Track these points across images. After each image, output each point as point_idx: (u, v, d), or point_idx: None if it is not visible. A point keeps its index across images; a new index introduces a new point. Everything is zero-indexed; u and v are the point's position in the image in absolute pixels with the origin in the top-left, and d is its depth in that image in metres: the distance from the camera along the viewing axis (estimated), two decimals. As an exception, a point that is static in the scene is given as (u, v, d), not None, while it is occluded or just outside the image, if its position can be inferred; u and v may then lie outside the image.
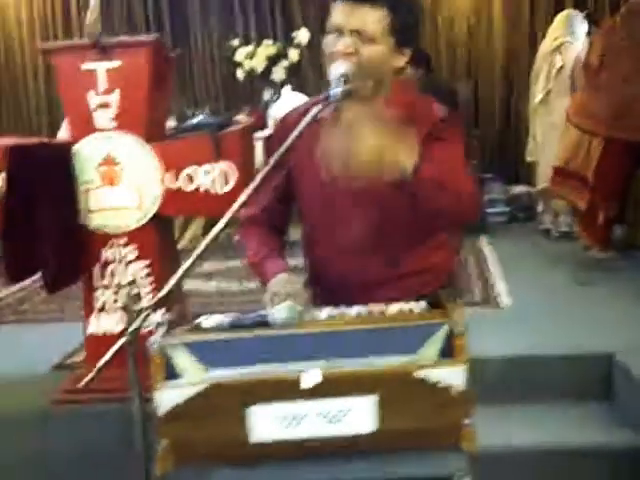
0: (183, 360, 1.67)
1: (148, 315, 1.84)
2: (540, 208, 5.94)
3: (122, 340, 1.74)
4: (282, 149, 1.83)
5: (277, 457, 1.66)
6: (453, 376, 1.60)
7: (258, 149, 4.54)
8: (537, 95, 5.55)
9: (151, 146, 3.10)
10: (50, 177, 3.08)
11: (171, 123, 6.00)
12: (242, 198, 1.82)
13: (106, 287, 3.22)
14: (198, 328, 1.78)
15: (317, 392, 1.58)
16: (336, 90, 1.83)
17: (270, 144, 2.10)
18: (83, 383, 1.93)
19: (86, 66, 3.06)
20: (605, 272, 4.63)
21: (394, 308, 1.85)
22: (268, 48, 6.30)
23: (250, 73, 6.41)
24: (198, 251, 1.87)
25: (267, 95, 6.44)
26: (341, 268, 2.06)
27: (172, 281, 1.96)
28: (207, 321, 1.80)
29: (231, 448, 1.65)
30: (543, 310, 4.00)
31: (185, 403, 1.61)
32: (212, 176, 3.06)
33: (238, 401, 1.60)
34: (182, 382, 1.62)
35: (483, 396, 3.20)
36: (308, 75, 6.72)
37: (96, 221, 3.18)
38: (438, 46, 6.71)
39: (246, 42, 6.51)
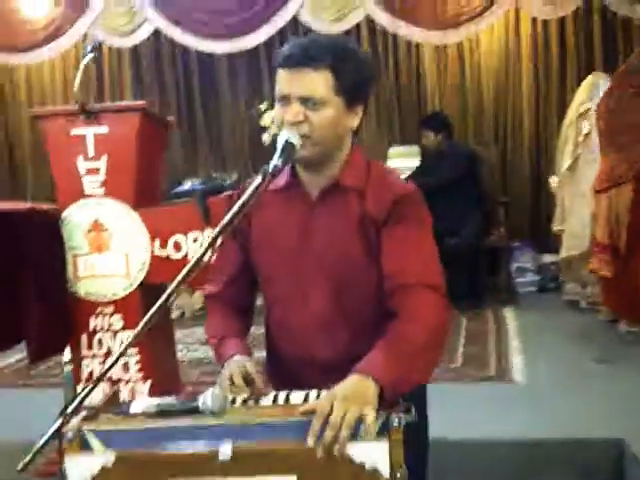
0: (98, 449, 1.58)
1: (90, 392, 1.75)
2: (562, 278, 5.74)
3: (57, 423, 1.65)
4: (224, 222, 1.76)
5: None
6: (377, 455, 1.48)
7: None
8: (564, 163, 5.40)
9: (139, 213, 3.04)
10: (38, 243, 3.04)
11: (197, 185, 6.03)
12: (188, 267, 1.76)
13: (93, 357, 3.14)
14: (125, 413, 1.69)
15: (233, 469, 1.48)
16: (276, 162, 1.78)
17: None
18: (19, 467, 1.82)
19: (75, 131, 3.03)
20: (629, 347, 4.41)
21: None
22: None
23: (275, 137, 6.38)
24: (141, 324, 1.82)
25: (291, 159, 6.41)
26: (298, 346, 1.96)
27: (114, 357, 1.89)
28: (136, 405, 1.71)
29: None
30: (557, 388, 3.83)
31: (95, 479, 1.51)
32: (200, 244, 2.98)
33: (153, 476, 1.51)
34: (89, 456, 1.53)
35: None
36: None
37: (84, 288, 3.11)
38: (465, 112, 6.62)
39: (272, 106, 6.49)
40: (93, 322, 3.12)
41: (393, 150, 6.52)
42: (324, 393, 1.71)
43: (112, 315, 3.11)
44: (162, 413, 1.65)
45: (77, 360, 3.15)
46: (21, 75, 6.74)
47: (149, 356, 3.10)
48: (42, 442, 1.59)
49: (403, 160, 6.37)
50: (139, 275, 3.07)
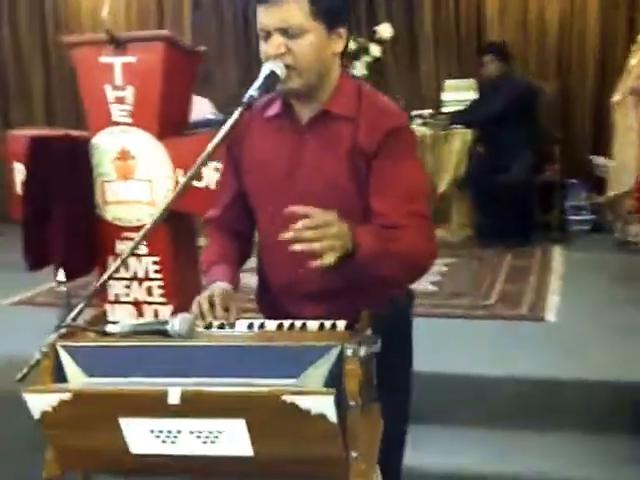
0: (69, 365, 1.66)
1: (82, 310, 1.82)
2: (609, 217, 5.61)
3: (53, 336, 1.74)
4: (203, 155, 1.80)
5: (161, 471, 1.63)
6: (323, 405, 1.50)
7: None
8: (618, 92, 5.20)
9: (163, 142, 3.11)
10: (68, 168, 3.15)
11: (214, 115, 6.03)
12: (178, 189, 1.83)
13: (119, 279, 3.27)
14: (103, 332, 1.76)
15: (183, 411, 1.52)
16: (252, 92, 1.78)
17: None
18: (18, 377, 1.93)
19: (103, 60, 3.10)
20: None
21: (314, 325, 1.79)
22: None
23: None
24: (132, 244, 1.90)
25: (347, 90, 6.38)
26: (283, 274, 2.00)
27: (106, 274, 1.97)
28: (113, 326, 1.78)
29: (114, 457, 1.62)
30: (587, 331, 3.78)
31: (54, 410, 1.58)
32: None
33: (109, 412, 1.56)
34: (47, 389, 1.59)
35: (495, 418, 3.16)
36: (390, 71, 6.60)
37: (111, 213, 3.23)
38: (527, 44, 6.42)
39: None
40: (119, 246, 3.24)
41: (449, 82, 6.41)
42: (297, 323, 1.76)
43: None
44: (134, 333, 1.72)
45: (104, 281, 3.28)
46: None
47: (172, 281, 3.21)
48: (36, 357, 1.68)
49: (459, 93, 6.27)
50: (163, 203, 3.14)
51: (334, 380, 1.55)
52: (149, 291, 3.24)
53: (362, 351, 1.68)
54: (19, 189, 3.19)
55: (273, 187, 1.94)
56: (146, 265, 3.23)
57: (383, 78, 6.60)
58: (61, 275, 2.40)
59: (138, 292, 3.24)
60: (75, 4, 6.94)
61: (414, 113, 6.36)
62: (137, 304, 3.26)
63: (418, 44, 6.56)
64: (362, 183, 1.86)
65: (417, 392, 3.25)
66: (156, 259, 3.20)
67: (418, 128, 6.12)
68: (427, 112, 6.33)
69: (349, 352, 1.59)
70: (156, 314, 3.21)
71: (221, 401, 1.51)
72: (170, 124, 3.15)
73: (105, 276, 1.94)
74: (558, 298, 4.37)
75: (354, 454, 1.57)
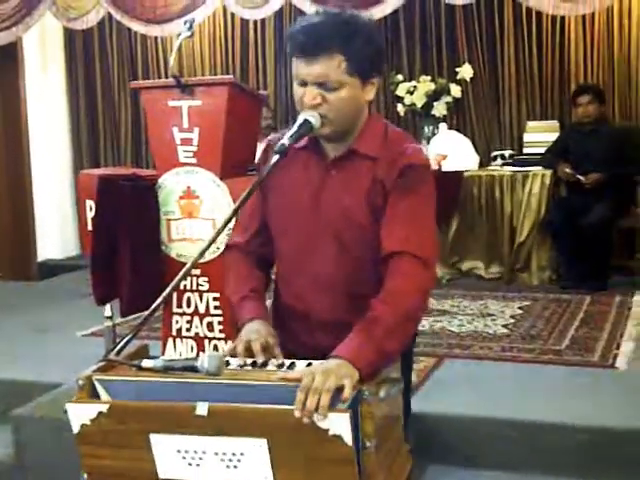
0: (103, 396, 1.75)
1: (128, 342, 1.90)
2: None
3: (90, 369, 1.83)
4: (241, 198, 1.89)
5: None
6: (340, 425, 1.54)
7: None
8: None
9: (225, 182, 3.21)
10: (135, 206, 3.29)
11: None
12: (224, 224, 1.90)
13: (182, 315, 3.37)
14: (139, 366, 1.84)
15: (209, 427, 1.60)
16: (285, 141, 1.87)
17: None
18: (64, 409, 2.02)
19: (171, 103, 3.23)
20: None
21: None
22: (426, 84, 6.26)
23: (410, 108, 6.41)
24: (177, 279, 1.96)
25: (427, 131, 6.41)
26: (298, 302, 2.06)
27: (150, 310, 2.03)
28: (147, 361, 1.86)
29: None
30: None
31: (92, 423, 1.68)
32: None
33: (141, 427, 1.65)
34: (87, 401, 1.71)
35: (555, 465, 3.10)
36: (470, 111, 6.59)
37: (175, 250, 3.34)
38: (612, 85, 6.30)
39: (410, 77, 6.52)
40: (182, 282, 3.33)
41: (532, 124, 6.36)
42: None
43: (199, 277, 3.32)
44: (166, 369, 1.79)
45: (167, 316, 3.40)
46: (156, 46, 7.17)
47: (231, 317, 3.27)
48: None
49: (542, 134, 6.21)
50: (224, 241, 3.23)
51: (353, 421, 1.57)
52: (210, 326, 3.33)
53: (382, 392, 1.71)
54: (90, 225, 3.34)
55: (296, 217, 2.02)
56: (207, 301, 3.33)
57: (463, 118, 6.61)
58: (108, 310, 2.50)
59: (199, 327, 3.34)
60: (162, 48, 7.21)
61: (495, 153, 6.35)
62: (198, 339, 3.35)
63: (499, 84, 6.52)
64: (379, 217, 1.93)
65: (479, 436, 3.27)
66: (216, 295, 3.29)
67: (498, 169, 6.11)
68: (508, 152, 6.30)
69: (366, 394, 1.62)
70: (216, 348, 3.29)
71: (245, 418, 1.59)
72: (232, 165, 3.26)
73: (147, 312, 2.00)
74: (633, 345, 4.24)
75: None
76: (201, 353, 1.78)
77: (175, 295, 3.36)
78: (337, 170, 1.98)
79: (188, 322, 3.36)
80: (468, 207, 5.95)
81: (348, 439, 1.56)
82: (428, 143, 6.29)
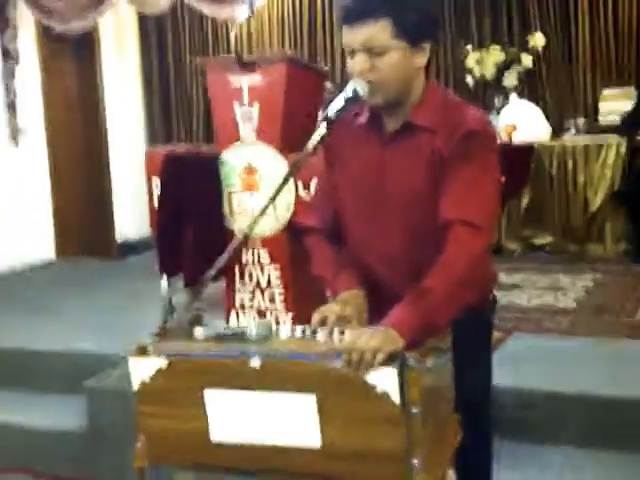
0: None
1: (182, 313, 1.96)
2: None
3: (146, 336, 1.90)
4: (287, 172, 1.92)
5: (235, 467, 1.74)
6: (387, 381, 1.57)
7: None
8: None
9: (285, 157, 3.24)
10: (199, 182, 3.36)
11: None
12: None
13: (244, 287, 3.44)
14: (191, 336, 1.89)
15: (261, 381, 1.65)
16: (330, 113, 1.88)
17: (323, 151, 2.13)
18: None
19: (232, 80, 3.28)
20: None
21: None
22: (496, 54, 6.16)
23: (480, 79, 6.32)
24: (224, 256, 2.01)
25: (497, 102, 6.31)
26: (374, 281, 2.03)
27: (204, 282, 2.08)
28: (200, 330, 1.91)
29: (195, 447, 1.76)
30: None
31: (150, 380, 1.75)
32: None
33: (196, 383, 1.71)
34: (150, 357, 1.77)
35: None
36: (542, 81, 6.45)
37: (237, 224, 3.40)
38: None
39: (480, 47, 6.41)
40: (245, 256, 3.40)
41: (607, 92, 6.19)
42: None
43: (260, 250, 3.37)
44: (217, 337, 1.84)
45: (230, 289, 3.47)
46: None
47: (292, 291, 3.33)
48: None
49: (617, 102, 6.05)
50: (285, 215, 3.29)
51: (401, 381, 1.59)
52: (271, 299, 3.38)
53: (429, 361, 1.71)
54: (156, 201, 3.42)
55: (361, 195, 2.01)
56: (268, 273, 3.38)
57: (535, 88, 6.47)
58: (164, 281, 2.58)
59: (261, 300, 3.40)
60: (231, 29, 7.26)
61: (568, 123, 6.22)
62: (260, 311, 3.41)
63: (572, 52, 6.36)
64: (440, 187, 1.89)
65: (548, 411, 3.23)
66: (277, 267, 3.34)
67: (571, 139, 5.98)
68: (582, 122, 6.15)
69: (411, 361, 1.63)
70: (277, 321, 3.35)
71: (295, 372, 1.63)
72: (292, 139, 3.27)
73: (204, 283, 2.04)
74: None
75: (415, 461, 1.61)
76: (250, 321, 1.82)
77: (237, 268, 3.43)
78: (396, 143, 1.95)
79: (250, 294, 3.43)
80: (540, 179, 5.84)
81: (395, 397, 1.58)
82: (498, 114, 6.19)
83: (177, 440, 1.78)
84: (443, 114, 1.92)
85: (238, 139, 3.34)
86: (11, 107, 6.41)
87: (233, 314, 3.45)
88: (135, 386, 1.77)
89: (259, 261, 3.40)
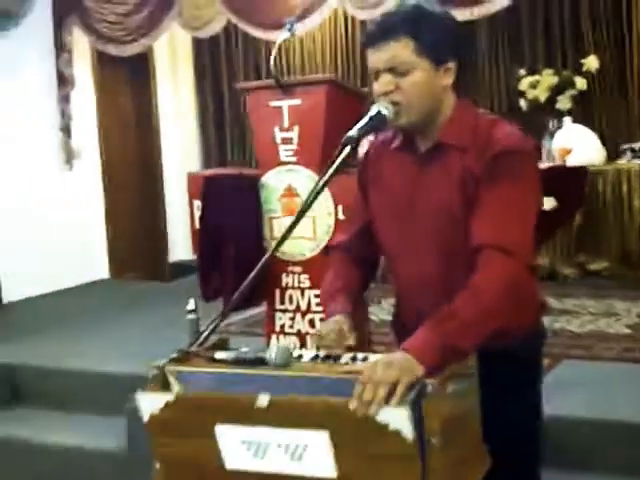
0: (173, 384, 1.81)
1: (205, 339, 1.95)
2: None
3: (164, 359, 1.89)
4: (312, 190, 1.91)
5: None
6: (398, 419, 1.52)
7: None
8: None
9: (325, 180, 3.22)
10: (239, 205, 3.36)
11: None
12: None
13: (284, 311, 3.42)
14: (212, 358, 1.88)
15: (270, 419, 1.62)
16: (352, 132, 1.87)
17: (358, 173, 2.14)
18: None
19: (273, 103, 3.29)
20: None
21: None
22: (549, 77, 6.07)
23: (534, 102, 6.23)
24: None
25: (551, 125, 6.21)
26: (405, 299, 2.04)
27: (229, 306, 2.07)
28: (220, 353, 1.90)
29: (211, 473, 1.74)
30: None
31: (160, 412, 1.72)
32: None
33: (205, 418, 1.69)
34: (156, 391, 1.77)
35: None
36: (596, 104, 6.33)
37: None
38: None
39: (533, 71, 6.33)
40: (284, 279, 3.39)
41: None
42: None
43: (301, 274, 3.36)
44: (237, 361, 1.82)
45: (270, 313, 3.46)
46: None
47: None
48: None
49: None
50: (324, 238, 3.27)
51: (415, 416, 1.55)
52: (311, 323, 3.36)
53: (450, 387, 1.66)
54: (197, 225, 3.44)
55: (394, 216, 1.99)
56: (309, 298, 3.36)
57: (589, 112, 6.36)
58: (191, 304, 2.57)
59: (301, 324, 3.38)
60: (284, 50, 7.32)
61: (624, 147, 6.08)
62: (300, 335, 3.39)
63: (627, 75, 6.24)
64: (473, 208, 1.85)
65: (593, 439, 3.14)
66: (317, 292, 3.31)
67: (626, 162, 5.85)
68: (637, 145, 6.01)
69: (429, 388, 1.59)
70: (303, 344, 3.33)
71: (303, 409, 1.59)
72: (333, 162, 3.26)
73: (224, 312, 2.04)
74: None
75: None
76: (271, 345, 1.81)
77: (278, 292, 3.42)
78: (429, 164, 1.92)
79: (290, 319, 3.41)
80: (594, 203, 5.72)
81: (408, 434, 1.53)
82: (552, 138, 6.11)
83: (192, 468, 1.76)
84: (474, 132, 1.88)
85: (278, 163, 3.34)
86: (66, 131, 6.56)
87: (273, 338, 3.43)
88: (145, 418, 1.75)
89: (299, 285, 3.38)
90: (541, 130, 6.21)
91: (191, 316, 3.20)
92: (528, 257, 1.86)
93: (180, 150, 7.62)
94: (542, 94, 6.14)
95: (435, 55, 1.85)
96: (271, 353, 1.77)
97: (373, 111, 1.88)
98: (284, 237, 2.01)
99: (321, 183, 1.93)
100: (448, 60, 1.87)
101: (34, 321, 5.53)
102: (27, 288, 6.10)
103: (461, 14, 5.02)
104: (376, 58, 1.87)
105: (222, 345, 2.02)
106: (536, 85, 6.19)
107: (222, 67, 7.66)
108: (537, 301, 2.06)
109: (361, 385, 1.56)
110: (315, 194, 1.92)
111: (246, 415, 1.65)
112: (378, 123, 1.88)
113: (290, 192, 3.34)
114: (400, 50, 1.83)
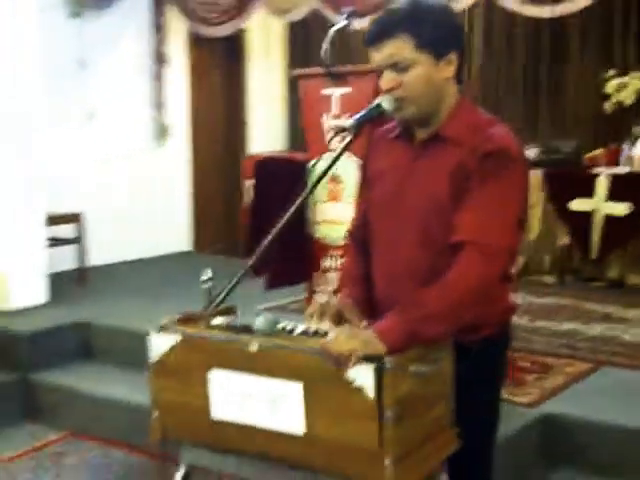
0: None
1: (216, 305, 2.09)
2: None
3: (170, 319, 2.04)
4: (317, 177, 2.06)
5: (229, 445, 1.87)
6: (363, 376, 1.64)
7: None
8: None
9: (367, 168, 3.31)
10: (287, 187, 3.48)
11: (534, 152, 6.05)
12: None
13: (323, 292, 3.53)
14: (209, 324, 2.02)
15: (258, 365, 1.77)
16: (347, 123, 1.97)
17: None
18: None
19: (324, 91, 3.39)
20: None
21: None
22: (637, 81, 5.91)
23: (619, 106, 6.08)
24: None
25: (636, 130, 6.05)
26: (387, 286, 2.08)
27: (235, 279, 2.20)
28: (216, 319, 2.05)
29: (198, 423, 1.90)
30: None
31: (166, 355, 1.91)
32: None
33: (204, 360, 1.86)
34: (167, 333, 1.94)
35: None
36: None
37: (320, 232, 3.51)
38: None
39: (624, 72, 6.18)
40: (324, 262, 3.50)
41: None
42: None
43: (340, 257, 3.46)
44: (227, 327, 1.98)
45: (310, 294, 3.58)
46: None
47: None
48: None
49: None
50: (351, 226, 3.36)
51: (377, 381, 1.66)
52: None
53: (412, 367, 1.75)
54: (247, 202, 3.59)
55: (385, 203, 2.07)
56: (346, 281, 3.45)
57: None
58: (208, 273, 2.70)
59: (328, 302, 3.47)
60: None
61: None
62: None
63: None
64: (460, 202, 1.91)
65: (617, 444, 3.14)
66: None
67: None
68: None
69: (388, 365, 1.68)
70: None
71: (287, 360, 1.75)
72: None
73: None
74: None
75: (387, 461, 1.66)
76: (259, 316, 1.94)
77: (318, 274, 3.53)
78: (424, 154, 1.99)
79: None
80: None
81: (370, 392, 1.64)
82: (634, 143, 5.97)
83: (183, 416, 1.92)
84: (472, 129, 1.95)
85: (327, 150, 3.44)
86: (159, 107, 6.84)
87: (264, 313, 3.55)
88: (153, 359, 1.93)
89: (337, 268, 3.48)
90: (623, 135, 6.07)
91: (205, 285, 3.34)
92: (508, 258, 1.92)
93: (267, 132, 7.80)
94: (628, 97, 6.00)
95: (435, 49, 1.91)
96: (257, 322, 1.91)
97: (374, 103, 1.97)
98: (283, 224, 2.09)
99: (321, 174, 2.06)
100: (448, 53, 1.93)
101: (114, 285, 5.85)
102: (112, 254, 6.44)
103: (539, 11, 4.97)
104: (377, 56, 1.94)
105: (228, 312, 2.16)
106: (623, 88, 6.05)
107: (313, 51, 7.77)
108: (507, 304, 2.09)
109: (324, 351, 1.68)
110: (314, 185, 2.03)
111: (237, 360, 1.80)
112: (376, 114, 1.98)
113: (335, 178, 3.44)
114: (400, 46, 1.90)
